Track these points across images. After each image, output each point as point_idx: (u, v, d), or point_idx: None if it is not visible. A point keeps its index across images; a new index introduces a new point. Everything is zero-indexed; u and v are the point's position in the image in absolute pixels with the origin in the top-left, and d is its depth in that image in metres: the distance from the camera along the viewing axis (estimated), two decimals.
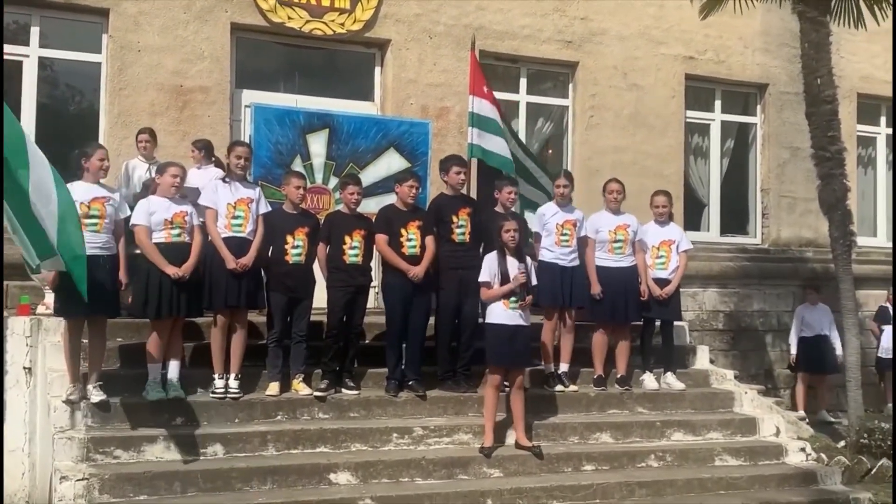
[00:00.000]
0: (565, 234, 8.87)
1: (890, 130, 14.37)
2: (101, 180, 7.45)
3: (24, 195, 6.23)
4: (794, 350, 11.95)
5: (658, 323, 9.38)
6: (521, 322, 7.79)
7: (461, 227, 8.47)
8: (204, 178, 8.69)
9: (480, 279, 7.91)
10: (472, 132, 9.94)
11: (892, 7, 10.47)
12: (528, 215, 9.56)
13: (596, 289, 8.91)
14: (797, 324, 11.96)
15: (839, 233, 10.11)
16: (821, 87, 10.06)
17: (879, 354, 12.73)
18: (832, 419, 11.52)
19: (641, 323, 9.33)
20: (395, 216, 8.28)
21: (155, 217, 7.41)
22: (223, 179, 7.97)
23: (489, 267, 7.86)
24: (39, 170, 6.32)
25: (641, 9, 12.47)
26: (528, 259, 8.01)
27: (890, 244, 14.16)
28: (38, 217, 6.28)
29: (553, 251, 8.85)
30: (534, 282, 7.90)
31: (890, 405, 12.42)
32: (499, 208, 8.67)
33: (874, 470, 9.08)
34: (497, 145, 10.00)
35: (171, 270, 7.32)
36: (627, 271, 9.04)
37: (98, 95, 10.28)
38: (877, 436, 9.32)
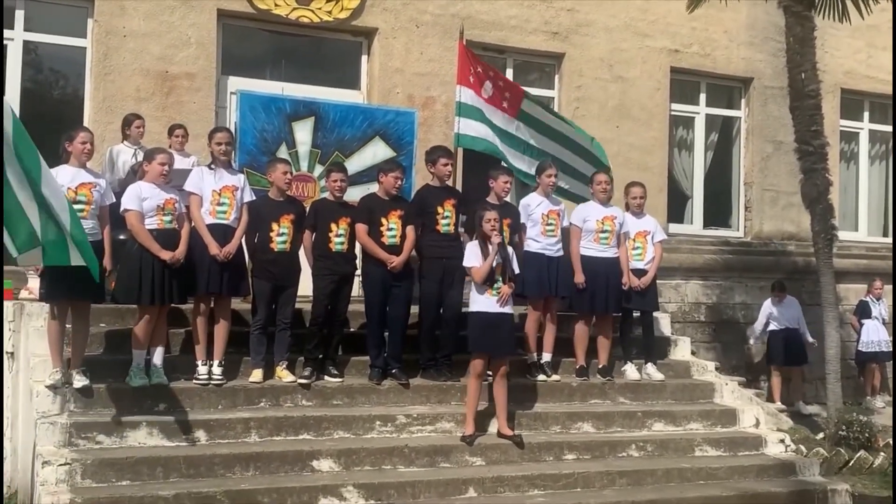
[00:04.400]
0: (550, 224, 8.89)
1: (872, 126, 14.48)
2: (87, 164, 7.43)
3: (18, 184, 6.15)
4: (751, 342, 12.28)
5: (637, 314, 9.43)
6: (505, 310, 7.81)
7: (446, 219, 8.47)
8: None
9: (465, 263, 7.91)
10: (459, 122, 9.94)
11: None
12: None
13: (580, 278, 8.94)
14: (763, 318, 12.11)
15: (821, 227, 10.18)
16: (805, 81, 10.12)
17: (859, 348, 12.86)
18: (808, 411, 11.64)
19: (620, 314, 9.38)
20: (376, 205, 8.26)
21: (147, 203, 7.36)
22: (209, 166, 7.94)
23: (472, 251, 7.87)
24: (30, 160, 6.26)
25: (628, 1, 12.49)
26: (510, 248, 8.03)
27: (870, 239, 14.32)
28: (23, 207, 6.18)
29: (539, 241, 8.86)
30: (516, 270, 7.93)
31: (868, 398, 12.57)
32: (492, 198, 8.66)
33: (852, 462, 9.20)
34: (484, 132, 10.01)
35: (167, 255, 7.29)
36: (611, 262, 9.07)
37: (83, 80, 10.24)
38: (855, 428, 9.44)
